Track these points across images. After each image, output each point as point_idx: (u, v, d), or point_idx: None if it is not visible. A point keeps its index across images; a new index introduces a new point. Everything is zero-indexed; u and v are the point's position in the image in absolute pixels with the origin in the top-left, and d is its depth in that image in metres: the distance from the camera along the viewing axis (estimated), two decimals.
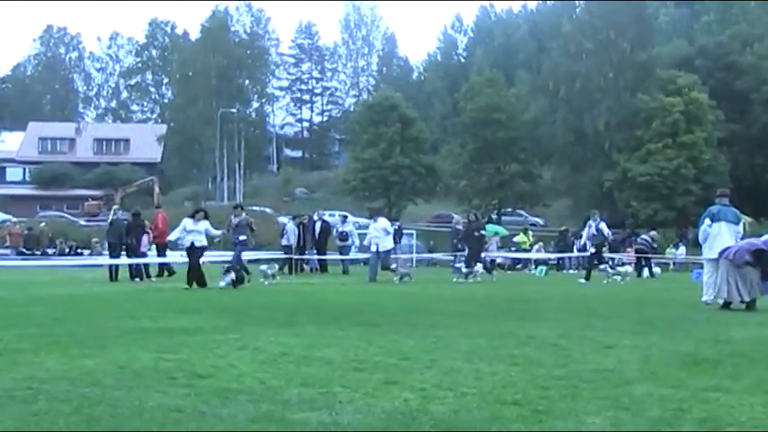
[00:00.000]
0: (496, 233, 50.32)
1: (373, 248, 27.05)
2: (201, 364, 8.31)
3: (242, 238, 23.89)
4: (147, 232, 28.70)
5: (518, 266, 43.83)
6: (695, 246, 25.87)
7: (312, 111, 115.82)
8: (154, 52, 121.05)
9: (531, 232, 49.18)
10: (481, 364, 8.42)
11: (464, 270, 27.27)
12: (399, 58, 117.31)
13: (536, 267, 39.45)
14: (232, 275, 21.45)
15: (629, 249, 40.74)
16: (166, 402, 6.39)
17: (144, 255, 28.65)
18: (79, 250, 47.42)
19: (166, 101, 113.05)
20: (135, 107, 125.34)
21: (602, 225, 29.78)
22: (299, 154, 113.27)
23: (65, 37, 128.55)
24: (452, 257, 37.94)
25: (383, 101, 72.32)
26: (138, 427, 5.58)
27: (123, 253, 27.96)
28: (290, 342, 10.15)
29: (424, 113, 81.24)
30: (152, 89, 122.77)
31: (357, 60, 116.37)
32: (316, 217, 36.09)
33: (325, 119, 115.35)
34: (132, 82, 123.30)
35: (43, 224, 52.79)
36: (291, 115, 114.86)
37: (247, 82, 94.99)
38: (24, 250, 45.29)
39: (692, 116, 60.48)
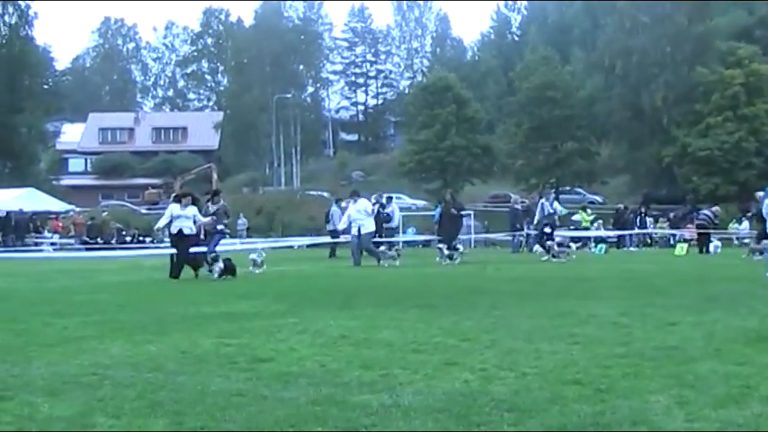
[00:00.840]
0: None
1: (354, 231, 25.61)
2: (262, 348, 8.37)
3: (220, 227, 21.74)
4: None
5: (577, 245, 43.47)
6: (759, 220, 25.33)
7: (367, 94, 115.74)
8: (209, 40, 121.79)
9: (589, 210, 48.74)
10: (541, 344, 8.38)
11: (446, 252, 26.16)
12: (453, 39, 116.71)
13: (595, 245, 39.14)
14: (220, 264, 19.54)
15: (689, 225, 40.22)
16: (228, 387, 6.45)
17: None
18: (141, 238, 48.01)
19: (222, 88, 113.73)
20: (191, 95, 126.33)
21: (556, 204, 29.67)
22: (354, 137, 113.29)
23: (122, 28, 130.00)
24: (510, 237, 37.85)
25: (437, 82, 71.98)
26: (200, 412, 5.63)
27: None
28: (350, 325, 10.19)
29: (478, 93, 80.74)
30: (208, 77, 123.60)
31: (411, 42, 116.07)
32: (373, 200, 36.08)
33: (380, 102, 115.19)
34: (188, 70, 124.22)
35: (105, 213, 53.48)
36: (346, 99, 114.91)
37: (302, 67, 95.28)
38: (88, 239, 45.93)
39: (753, 88, 59.30)
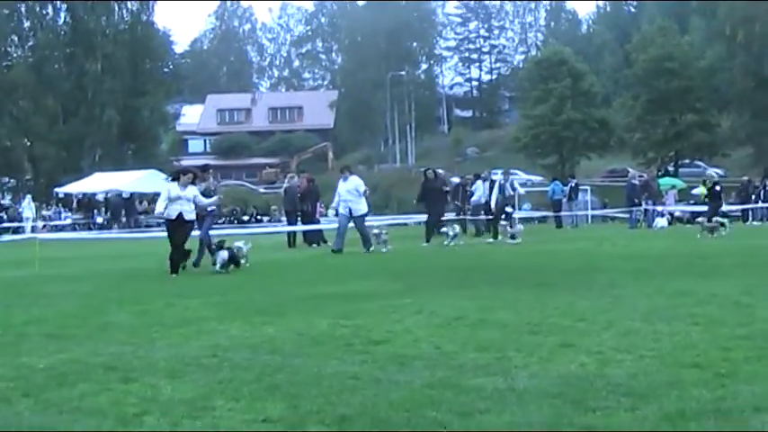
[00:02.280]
0: (674, 186, 49.04)
1: (343, 210, 23.15)
2: (378, 330, 8.43)
3: (210, 208, 18.45)
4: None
5: (698, 220, 42.44)
6: None
7: (481, 69, 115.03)
8: (323, 19, 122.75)
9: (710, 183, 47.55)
10: (660, 325, 8.22)
11: (450, 232, 24.70)
12: (567, 12, 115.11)
13: None
14: (224, 254, 16.76)
15: None
16: (344, 369, 6.51)
17: (319, 221, 29.23)
18: (259, 217, 48.83)
19: (336, 67, 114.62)
20: (307, 75, 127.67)
21: (516, 184, 28.23)
22: (468, 113, 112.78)
23: (238, 10, 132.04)
24: (628, 213, 37.25)
25: (552, 56, 71.09)
26: (316, 395, 5.70)
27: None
28: (465, 305, 10.17)
29: (594, 67, 79.43)
30: (322, 56, 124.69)
31: (524, 16, 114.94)
32: (484, 175, 35.89)
33: (494, 77, 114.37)
34: (303, 50, 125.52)
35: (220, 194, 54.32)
36: (460, 75, 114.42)
37: (415, 44, 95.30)
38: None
39: None
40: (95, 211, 49.90)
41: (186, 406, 5.54)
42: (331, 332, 8.42)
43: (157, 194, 18.99)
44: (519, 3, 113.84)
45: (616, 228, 37.88)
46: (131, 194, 47.23)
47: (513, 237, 25.41)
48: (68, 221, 48.49)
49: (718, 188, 28.06)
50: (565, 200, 40.91)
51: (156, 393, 5.93)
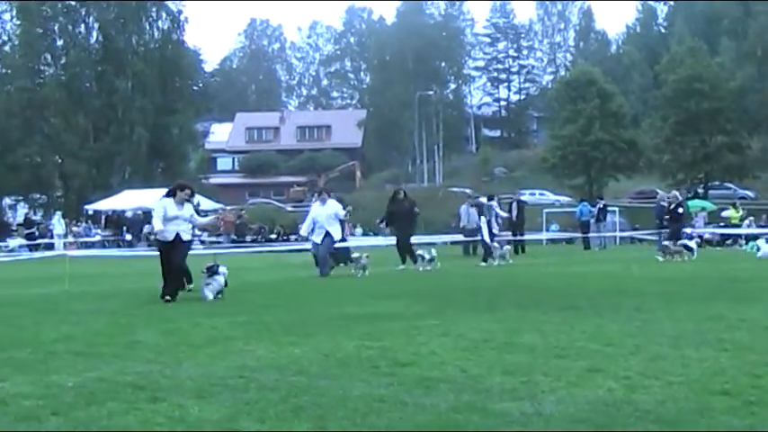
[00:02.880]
0: (703, 208, 48.74)
1: (317, 238, 21.30)
2: (403, 352, 8.42)
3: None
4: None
5: (727, 242, 42.18)
6: None
7: (509, 89, 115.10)
8: (351, 39, 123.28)
9: (740, 206, 47.24)
10: (688, 350, 8.18)
11: (426, 255, 23.48)
12: (597, 32, 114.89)
13: (747, 243, 37.89)
14: (220, 281, 14.94)
15: None
16: (370, 391, 6.51)
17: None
18: (286, 236, 48.95)
19: (365, 86, 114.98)
20: (335, 94, 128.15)
21: (496, 207, 27.35)
22: (497, 133, 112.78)
23: (267, 29, 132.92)
24: (657, 235, 37.01)
25: (581, 76, 70.96)
26: (342, 417, 5.71)
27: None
28: (492, 327, 10.14)
29: (623, 87, 79.25)
30: (351, 75, 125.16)
31: (553, 36, 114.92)
32: (514, 197, 35.87)
33: (523, 97, 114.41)
34: (332, 69, 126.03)
35: (244, 212, 54.55)
36: (488, 95, 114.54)
37: (444, 64, 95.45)
38: (236, 237, 47.12)
39: None
40: (124, 228, 50.23)
41: (213, 426, 5.57)
42: (357, 353, 8.42)
43: None
44: (548, 23, 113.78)
45: (644, 250, 37.65)
46: None
47: (502, 257, 25.28)
48: (98, 238, 48.84)
49: (680, 210, 27.53)
50: (593, 221, 40.73)
51: (184, 414, 5.96)
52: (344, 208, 21.73)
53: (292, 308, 13.09)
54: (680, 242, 27.01)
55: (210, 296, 14.68)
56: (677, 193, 29.56)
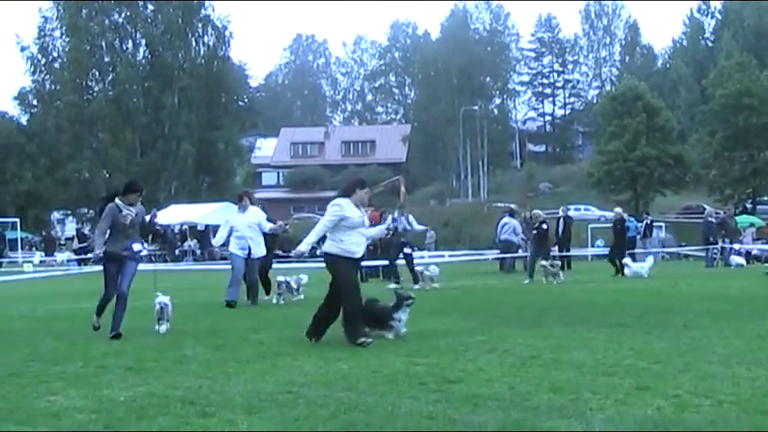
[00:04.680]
0: (752, 224, 48.21)
1: (239, 251, 17.59)
2: (451, 369, 8.43)
3: (137, 246, 12.58)
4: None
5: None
6: None
7: (554, 104, 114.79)
8: (396, 54, 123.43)
9: None
10: (739, 369, 8.11)
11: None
12: (643, 47, 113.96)
13: None
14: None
15: None
16: (418, 408, 6.53)
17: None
18: None
19: (409, 101, 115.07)
20: (380, 109, 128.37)
21: (412, 218, 26.08)
22: (542, 148, 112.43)
23: (312, 44, 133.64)
24: (704, 251, 36.67)
25: (627, 91, 70.54)
26: None
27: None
28: (539, 344, 10.13)
29: (670, 102, 78.72)
30: (395, 90, 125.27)
31: (599, 51, 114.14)
32: (561, 212, 35.70)
33: (568, 112, 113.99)
34: (376, 84, 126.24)
35: (289, 227, 54.66)
36: (533, 110, 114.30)
37: (488, 78, 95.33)
38: (280, 252, 47.23)
39: None
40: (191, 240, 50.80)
41: None
42: (405, 370, 8.44)
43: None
44: (593, 37, 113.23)
45: (691, 266, 37.30)
46: (206, 227, 47.82)
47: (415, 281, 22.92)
48: (144, 253, 49.19)
49: (545, 226, 26.45)
50: (639, 237, 40.39)
51: (234, 429, 6.01)
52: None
53: (338, 323, 13.10)
54: (732, 257, 26.54)
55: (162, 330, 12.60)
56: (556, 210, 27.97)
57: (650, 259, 27.81)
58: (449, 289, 21.73)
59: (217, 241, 18.45)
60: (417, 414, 6.32)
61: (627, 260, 27.16)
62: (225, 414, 6.46)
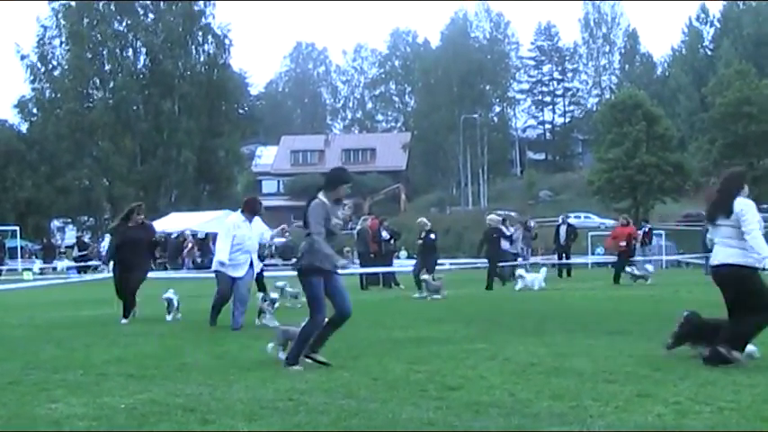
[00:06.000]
0: None
1: (232, 272, 14.59)
2: (452, 376, 8.44)
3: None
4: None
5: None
6: None
7: (554, 112, 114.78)
8: (396, 62, 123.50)
9: None
10: (739, 376, 8.12)
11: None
12: (642, 55, 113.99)
13: None
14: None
15: None
16: (419, 415, 6.53)
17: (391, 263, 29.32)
18: None
19: (410, 109, 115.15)
20: (380, 117, 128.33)
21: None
22: (542, 156, 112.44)
23: (312, 52, 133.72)
24: (704, 258, 36.61)
25: (627, 99, 70.56)
26: None
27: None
28: (540, 351, 10.14)
29: (669, 110, 78.78)
30: (395, 98, 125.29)
31: (598, 59, 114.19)
32: (560, 220, 35.72)
33: (568, 120, 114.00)
34: (377, 92, 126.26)
35: (289, 235, 54.55)
36: (533, 118, 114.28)
37: (488, 87, 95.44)
38: (282, 259, 47.29)
39: None
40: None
41: None
42: (405, 377, 8.45)
43: None
44: (593, 45, 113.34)
45: (691, 274, 37.28)
46: (206, 234, 47.82)
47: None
48: None
49: (432, 236, 24.84)
50: (638, 245, 40.32)
51: None
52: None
53: (339, 331, 13.08)
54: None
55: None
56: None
57: (544, 270, 26.34)
58: (451, 298, 21.72)
59: (222, 257, 14.46)
60: (418, 421, 6.33)
61: (520, 271, 25.71)
62: (226, 421, 6.46)
